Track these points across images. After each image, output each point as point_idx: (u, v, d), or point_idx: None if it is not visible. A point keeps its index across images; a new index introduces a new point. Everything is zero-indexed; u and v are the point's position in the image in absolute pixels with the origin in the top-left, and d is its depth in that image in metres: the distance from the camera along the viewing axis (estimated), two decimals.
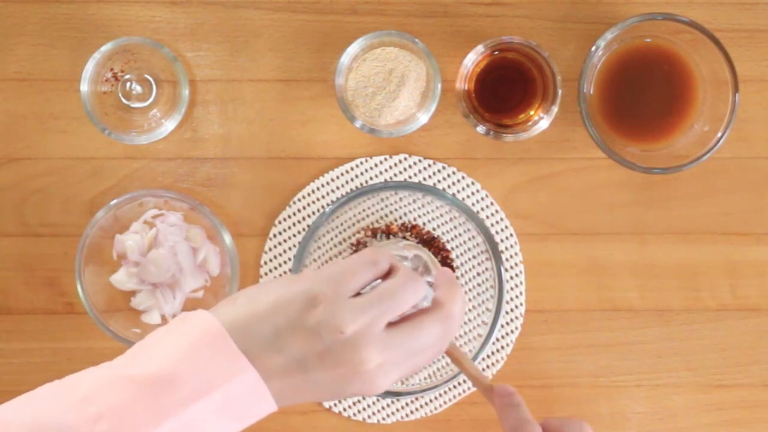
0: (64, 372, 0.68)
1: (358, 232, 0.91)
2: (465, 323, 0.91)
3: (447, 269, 0.75)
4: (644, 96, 0.89)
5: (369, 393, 0.68)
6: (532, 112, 0.88)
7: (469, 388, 0.91)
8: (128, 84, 0.90)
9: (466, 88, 0.87)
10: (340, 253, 0.91)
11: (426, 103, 0.87)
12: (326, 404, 0.91)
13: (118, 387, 0.64)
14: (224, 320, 0.66)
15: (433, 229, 0.91)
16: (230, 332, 0.65)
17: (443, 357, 0.90)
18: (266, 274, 0.91)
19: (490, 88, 0.88)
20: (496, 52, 0.87)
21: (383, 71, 0.88)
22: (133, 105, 0.91)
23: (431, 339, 0.68)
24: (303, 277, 0.68)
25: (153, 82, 0.91)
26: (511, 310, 0.92)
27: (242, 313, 0.66)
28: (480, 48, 0.86)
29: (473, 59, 0.86)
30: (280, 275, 0.91)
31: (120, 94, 0.90)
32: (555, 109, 0.85)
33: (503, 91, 0.89)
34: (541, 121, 0.86)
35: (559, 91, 0.85)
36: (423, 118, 0.87)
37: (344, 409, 0.91)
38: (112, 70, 0.90)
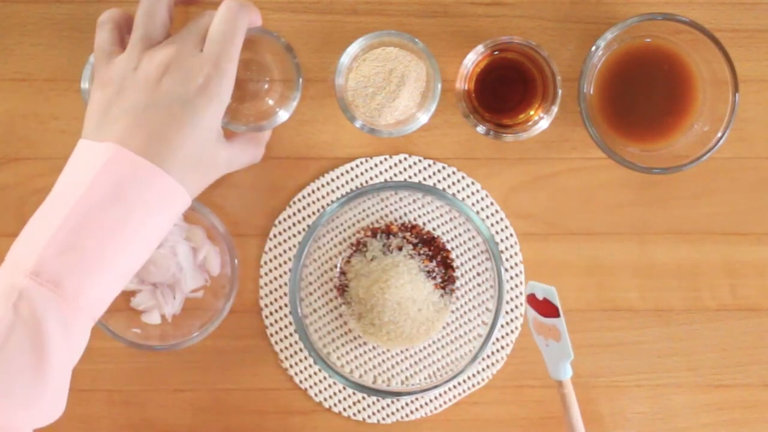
0: None
1: (358, 232, 0.91)
2: (465, 323, 0.91)
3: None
4: (644, 96, 0.89)
5: (203, 66, 0.75)
6: (532, 112, 0.88)
7: (469, 388, 0.92)
8: None
9: (466, 88, 0.87)
10: (340, 253, 0.91)
11: (426, 103, 0.87)
12: (326, 404, 0.91)
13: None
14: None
15: (433, 229, 0.91)
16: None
17: (444, 357, 0.91)
18: (266, 274, 0.91)
19: (490, 88, 0.88)
20: (496, 52, 0.87)
21: (383, 71, 0.88)
22: None
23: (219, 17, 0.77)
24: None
25: None
26: (511, 310, 0.92)
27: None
28: (480, 48, 0.86)
29: (473, 59, 0.86)
30: (280, 277, 0.91)
31: None
32: (555, 109, 0.85)
33: (503, 91, 0.89)
34: (541, 121, 0.86)
35: (559, 91, 0.85)
36: (423, 118, 0.87)
37: (344, 410, 0.91)
38: None
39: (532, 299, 0.84)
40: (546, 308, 0.83)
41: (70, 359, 0.70)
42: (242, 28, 0.77)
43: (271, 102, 0.89)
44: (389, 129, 0.87)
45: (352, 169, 0.91)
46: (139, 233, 0.72)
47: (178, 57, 0.75)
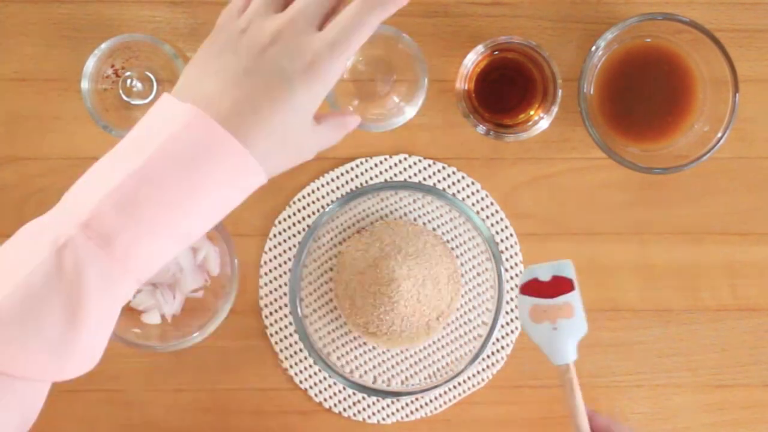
0: None
1: (358, 231, 0.91)
2: (465, 323, 0.91)
3: None
4: (644, 96, 0.89)
5: (314, 60, 0.68)
6: (532, 112, 0.88)
7: (469, 388, 0.92)
8: (129, 81, 0.91)
9: (466, 88, 0.87)
10: (340, 253, 0.91)
11: (413, 96, 0.87)
12: (326, 404, 0.91)
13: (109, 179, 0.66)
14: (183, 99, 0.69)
15: (434, 229, 0.91)
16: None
17: (444, 357, 0.91)
18: (266, 274, 0.91)
19: (490, 88, 0.88)
20: (496, 52, 0.87)
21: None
22: (133, 102, 0.91)
23: None
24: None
25: (154, 80, 0.91)
26: (511, 310, 0.92)
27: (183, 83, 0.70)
28: (480, 48, 0.86)
29: (473, 59, 0.86)
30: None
31: (121, 91, 0.90)
32: (555, 109, 0.85)
33: (503, 91, 0.89)
34: (541, 121, 0.86)
35: (559, 91, 0.85)
36: (410, 111, 0.87)
37: (344, 410, 0.91)
38: (113, 66, 0.90)
39: (530, 285, 0.83)
40: (553, 288, 0.82)
41: (109, 316, 0.67)
42: (372, 21, 0.69)
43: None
44: (377, 124, 0.87)
45: (352, 169, 0.91)
46: (203, 203, 0.67)
47: (290, 29, 0.69)
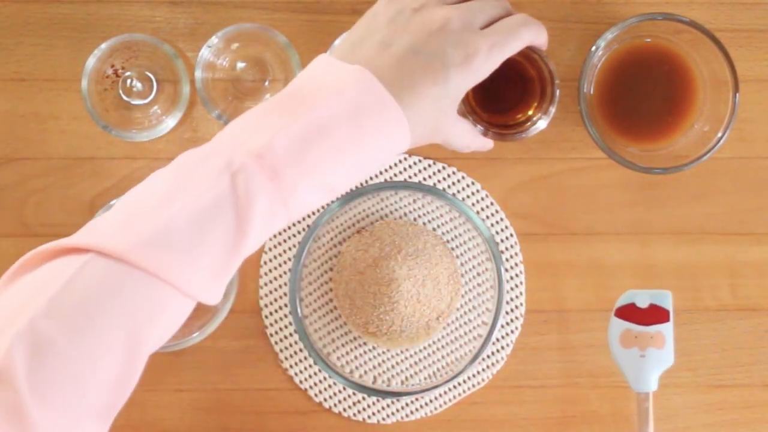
0: None
1: (358, 231, 0.91)
2: (465, 323, 0.91)
3: None
4: (644, 96, 0.89)
5: (470, 53, 0.73)
6: (530, 112, 0.88)
7: (469, 389, 0.92)
8: (129, 81, 0.91)
9: None
10: (340, 253, 0.91)
11: None
12: (326, 404, 0.91)
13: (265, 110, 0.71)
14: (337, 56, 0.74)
15: (434, 229, 0.91)
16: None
17: (444, 357, 0.91)
18: (266, 274, 0.91)
19: (488, 88, 0.88)
20: None
21: None
22: (133, 102, 0.91)
23: (489, 5, 0.77)
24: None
25: (154, 80, 0.91)
26: (511, 310, 0.92)
27: (344, 45, 0.75)
28: None
29: None
30: (280, 276, 0.91)
31: (120, 91, 0.90)
32: (553, 109, 0.85)
33: (501, 91, 0.89)
34: (539, 121, 0.86)
35: (557, 92, 0.85)
36: None
37: (344, 410, 0.91)
38: (113, 66, 0.90)
39: (625, 310, 0.84)
40: (648, 315, 0.83)
41: (256, 247, 0.70)
42: (526, 39, 0.76)
43: None
44: None
45: None
46: (358, 158, 0.71)
47: (461, 21, 0.74)
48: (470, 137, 0.80)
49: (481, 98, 0.87)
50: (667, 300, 0.83)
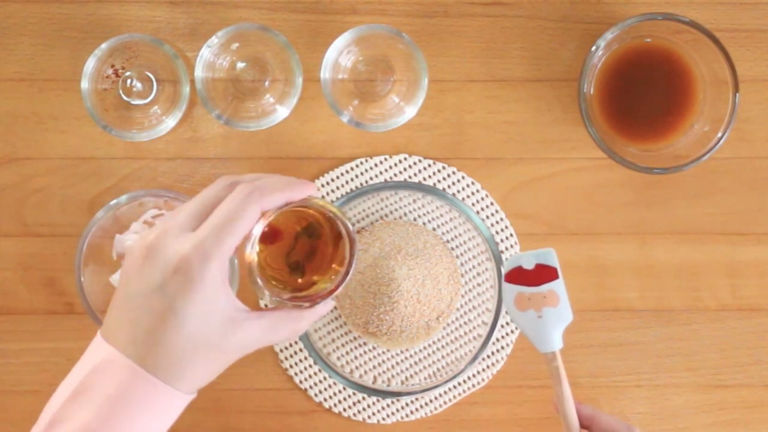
0: (64, 372, 0.68)
1: (358, 231, 0.91)
2: (465, 323, 0.91)
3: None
4: (644, 96, 0.89)
5: (190, 261, 0.66)
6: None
7: (469, 389, 0.92)
8: (129, 81, 0.91)
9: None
10: None
11: (413, 96, 0.87)
12: (326, 404, 0.91)
13: None
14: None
15: (434, 229, 0.91)
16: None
17: (444, 357, 0.91)
18: None
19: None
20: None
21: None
22: (133, 102, 0.91)
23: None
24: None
25: (154, 80, 0.91)
26: None
27: (112, 318, 0.68)
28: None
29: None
30: None
31: (120, 91, 0.90)
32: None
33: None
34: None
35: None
36: (410, 111, 0.87)
37: (344, 410, 0.91)
38: (113, 66, 0.90)
39: (514, 273, 0.83)
40: (538, 276, 0.82)
41: None
42: (249, 214, 0.67)
43: (271, 100, 0.90)
44: (376, 123, 0.87)
45: (352, 169, 0.91)
46: None
47: (162, 237, 0.67)
48: (291, 325, 0.70)
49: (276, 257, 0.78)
50: (551, 257, 0.82)
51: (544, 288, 0.82)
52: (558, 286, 0.81)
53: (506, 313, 0.86)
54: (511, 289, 0.81)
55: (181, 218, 0.68)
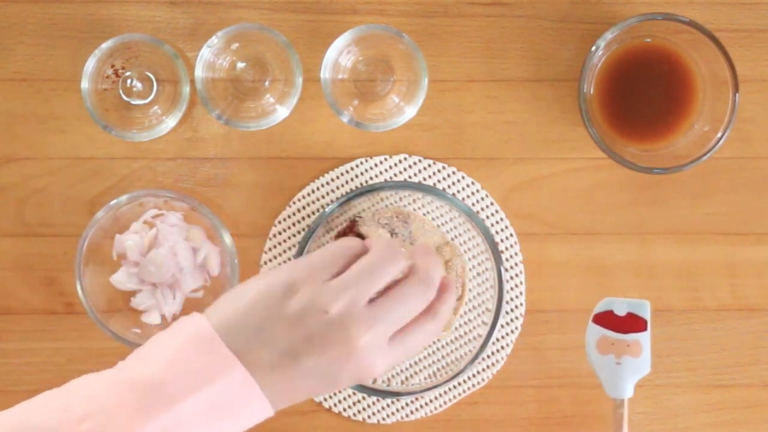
0: (64, 372, 0.69)
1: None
2: (465, 323, 0.91)
3: (426, 245, 0.76)
4: (644, 96, 0.89)
5: (366, 375, 0.68)
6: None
7: (469, 388, 0.92)
8: (129, 81, 0.91)
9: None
10: None
11: (413, 96, 0.87)
12: (326, 404, 0.91)
13: (106, 389, 0.64)
14: (214, 321, 0.66)
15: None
16: (219, 333, 0.66)
17: (444, 357, 0.91)
18: None
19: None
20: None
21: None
22: (133, 102, 0.91)
23: (412, 304, 0.69)
24: (281, 268, 0.69)
25: (154, 80, 0.91)
26: (511, 310, 0.92)
27: (227, 313, 0.67)
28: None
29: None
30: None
31: (121, 91, 0.91)
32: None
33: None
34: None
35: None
36: (410, 111, 0.87)
37: (344, 410, 0.91)
38: (113, 66, 0.90)
39: (603, 317, 0.84)
40: (627, 323, 0.84)
41: None
42: (389, 272, 0.69)
43: (271, 100, 0.90)
44: (376, 123, 0.88)
45: (352, 169, 0.91)
46: None
47: (307, 285, 0.67)
48: (420, 341, 0.71)
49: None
50: (645, 310, 0.84)
51: (630, 337, 0.83)
52: (644, 338, 0.83)
53: (586, 353, 0.87)
54: (596, 331, 0.84)
55: (329, 270, 0.69)
